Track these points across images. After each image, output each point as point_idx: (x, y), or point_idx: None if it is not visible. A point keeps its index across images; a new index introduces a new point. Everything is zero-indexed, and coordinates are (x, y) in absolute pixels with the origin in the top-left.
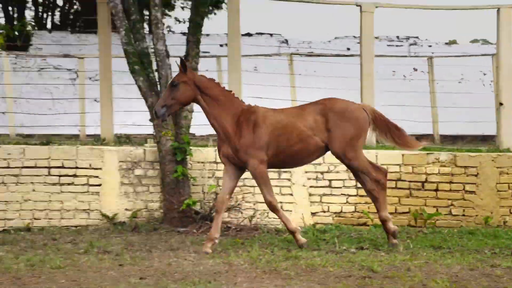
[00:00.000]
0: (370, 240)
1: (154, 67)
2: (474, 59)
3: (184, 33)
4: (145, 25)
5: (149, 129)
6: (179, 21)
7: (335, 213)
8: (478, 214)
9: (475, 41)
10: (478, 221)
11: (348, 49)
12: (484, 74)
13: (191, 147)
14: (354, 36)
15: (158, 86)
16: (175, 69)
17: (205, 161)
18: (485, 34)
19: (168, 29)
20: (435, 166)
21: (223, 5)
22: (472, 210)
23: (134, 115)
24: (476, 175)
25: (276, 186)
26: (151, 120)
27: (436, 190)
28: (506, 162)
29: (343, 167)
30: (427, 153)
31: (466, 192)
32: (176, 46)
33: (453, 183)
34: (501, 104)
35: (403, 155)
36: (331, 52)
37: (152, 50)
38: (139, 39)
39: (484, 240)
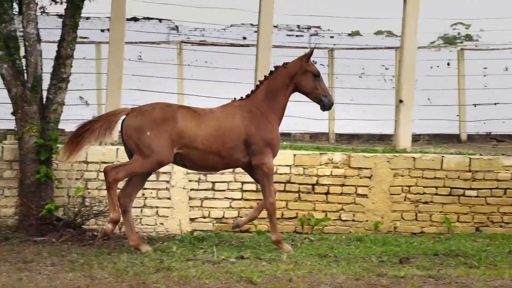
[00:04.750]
0: (252, 249)
1: (22, 53)
2: (377, 52)
3: (60, 15)
4: (15, 5)
5: (11, 124)
6: (56, 2)
7: (216, 218)
8: (368, 220)
9: (379, 32)
10: (368, 227)
11: (245, 38)
12: (386, 69)
13: (58, 145)
14: (252, 24)
15: (25, 74)
16: (46, 55)
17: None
18: (390, 25)
19: (42, 10)
20: (327, 167)
21: None
22: (363, 215)
23: None
24: (369, 178)
25: (153, 189)
26: (13, 113)
27: (327, 193)
28: (402, 163)
29: None
30: (320, 153)
31: (358, 195)
32: (50, 30)
33: (345, 185)
34: (401, 101)
35: (294, 155)
36: (225, 41)
37: (21, 34)
38: (6, 21)
39: (372, 248)
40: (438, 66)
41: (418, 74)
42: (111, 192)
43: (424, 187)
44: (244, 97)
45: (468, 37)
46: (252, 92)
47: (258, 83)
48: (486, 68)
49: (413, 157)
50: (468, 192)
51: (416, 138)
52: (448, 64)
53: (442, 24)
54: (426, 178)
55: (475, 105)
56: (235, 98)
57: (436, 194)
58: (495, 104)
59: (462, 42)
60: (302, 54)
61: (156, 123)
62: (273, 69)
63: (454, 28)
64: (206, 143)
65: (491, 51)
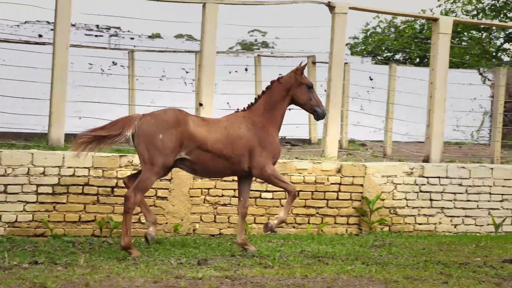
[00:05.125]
0: (46, 253)
1: None
2: (177, 55)
3: None
4: None
5: None
6: None
7: (8, 223)
8: (168, 222)
9: (179, 36)
10: (168, 229)
11: (40, 35)
12: (187, 72)
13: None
14: (48, 22)
15: None
16: None
17: None
18: (191, 29)
19: None
20: (128, 169)
21: None
22: (163, 218)
23: None
24: (170, 180)
25: None
26: None
27: None
28: None
29: (22, 170)
30: (120, 156)
31: (158, 198)
32: None
33: None
34: (200, 104)
35: (93, 157)
36: (19, 38)
37: None
38: None
39: (171, 250)
40: (236, 71)
41: (218, 78)
42: (128, 216)
43: (222, 189)
44: (245, 108)
45: (265, 44)
46: (252, 104)
47: (256, 96)
48: (281, 74)
49: None
50: (264, 195)
51: None
52: (246, 69)
53: (240, 30)
54: (225, 181)
55: None
56: (238, 109)
57: (234, 196)
58: (289, 109)
59: (259, 49)
60: (295, 68)
61: (169, 125)
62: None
63: (251, 34)
64: (217, 147)
65: (286, 58)
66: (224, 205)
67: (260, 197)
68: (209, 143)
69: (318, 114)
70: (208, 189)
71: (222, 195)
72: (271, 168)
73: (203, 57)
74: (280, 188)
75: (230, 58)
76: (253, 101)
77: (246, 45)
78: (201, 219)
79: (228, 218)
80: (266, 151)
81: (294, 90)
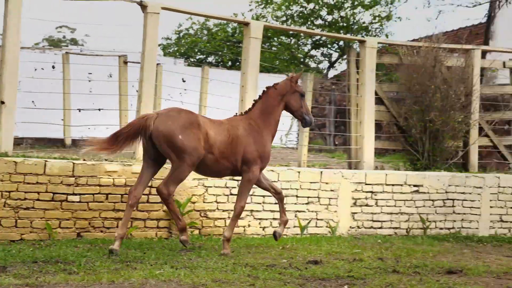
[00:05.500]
0: None
1: None
2: None
3: None
4: None
5: None
6: None
7: None
8: None
9: None
10: None
11: None
12: None
13: None
14: None
15: None
16: None
17: None
18: None
19: None
20: None
21: None
22: None
23: None
24: None
25: None
26: None
27: None
28: (3, 168)
29: None
30: None
31: None
32: None
33: None
34: (2, 102)
35: None
36: None
37: None
38: None
39: None
40: (43, 69)
41: (22, 75)
42: (170, 206)
43: (25, 192)
44: (243, 113)
45: (74, 41)
46: (250, 109)
47: (253, 101)
48: (91, 73)
49: (14, 161)
50: (70, 198)
51: (19, 142)
52: (53, 67)
53: (47, 26)
54: (28, 183)
55: (79, 109)
56: (236, 114)
57: (38, 199)
58: (99, 109)
59: (67, 46)
60: (289, 75)
61: (185, 127)
62: (264, 89)
63: (59, 31)
64: (221, 149)
65: (96, 56)
66: (27, 209)
67: (66, 200)
68: (215, 146)
69: (306, 121)
70: (10, 192)
71: (25, 199)
72: (255, 176)
73: (6, 52)
74: (237, 198)
75: (36, 55)
76: (250, 106)
77: (54, 41)
78: (0, 224)
79: (31, 222)
80: (257, 152)
81: (288, 96)
